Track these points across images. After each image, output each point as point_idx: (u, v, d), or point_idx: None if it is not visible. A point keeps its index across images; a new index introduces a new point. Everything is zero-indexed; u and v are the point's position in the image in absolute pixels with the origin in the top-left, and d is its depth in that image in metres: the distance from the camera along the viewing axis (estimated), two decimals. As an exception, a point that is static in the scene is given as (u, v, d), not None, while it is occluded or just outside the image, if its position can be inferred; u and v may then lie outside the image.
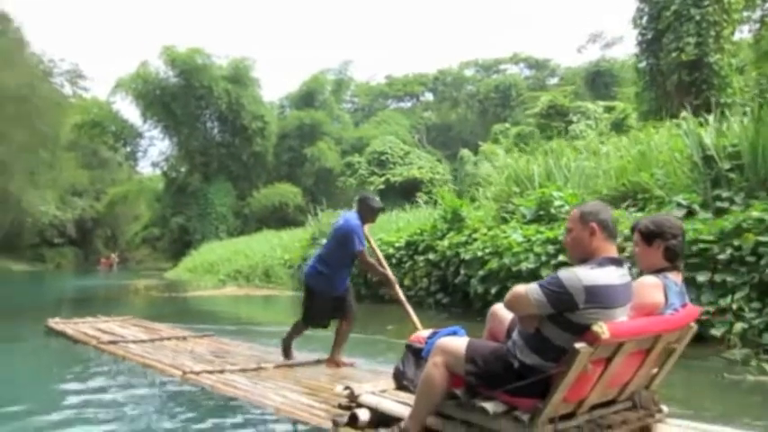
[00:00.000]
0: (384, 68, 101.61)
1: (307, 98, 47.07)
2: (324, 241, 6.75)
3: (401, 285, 6.55)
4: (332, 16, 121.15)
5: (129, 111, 66.01)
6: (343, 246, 5.84)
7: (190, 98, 39.34)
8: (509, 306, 3.07)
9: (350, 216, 5.98)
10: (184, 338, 7.81)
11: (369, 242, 6.14)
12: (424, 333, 3.95)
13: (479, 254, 10.43)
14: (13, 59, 26.14)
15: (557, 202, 10.36)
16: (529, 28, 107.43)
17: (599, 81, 44.88)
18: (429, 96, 68.01)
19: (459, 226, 12.05)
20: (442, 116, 62.33)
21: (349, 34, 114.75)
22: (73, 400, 5.12)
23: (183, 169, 42.21)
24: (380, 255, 6.41)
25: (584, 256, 3.00)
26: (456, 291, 11.32)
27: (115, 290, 22.36)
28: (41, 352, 8.02)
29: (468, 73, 65.67)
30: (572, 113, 28.40)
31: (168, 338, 7.77)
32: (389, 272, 6.10)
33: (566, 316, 2.87)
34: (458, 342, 3.27)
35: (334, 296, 5.95)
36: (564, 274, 2.89)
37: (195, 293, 18.50)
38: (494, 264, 9.87)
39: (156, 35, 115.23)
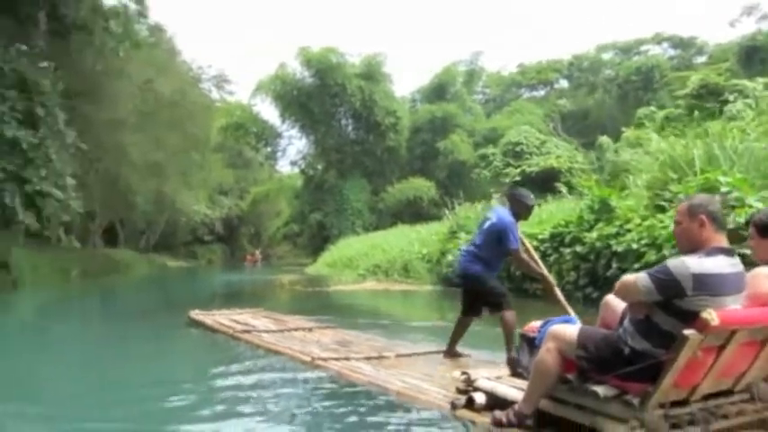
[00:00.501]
0: (516, 57, 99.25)
1: (438, 91, 46.74)
2: (463, 234, 6.52)
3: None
4: (462, 7, 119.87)
5: (269, 112, 69.16)
6: (497, 243, 5.73)
7: (325, 97, 40.35)
8: (619, 294, 3.25)
9: (502, 213, 5.84)
10: (310, 329, 8.23)
11: (522, 240, 6.00)
12: (537, 323, 4.10)
13: (634, 246, 9.72)
14: (167, 68, 28.05)
15: (723, 188, 9.29)
16: (671, 5, 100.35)
17: (755, 57, 40.76)
18: (564, 83, 65.29)
19: (609, 216, 11.31)
20: (578, 103, 59.57)
21: (479, 25, 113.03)
22: (216, 381, 5.57)
23: (319, 167, 43.44)
24: (534, 253, 6.18)
25: (694, 248, 3.08)
26: (607, 284, 10.52)
27: (261, 285, 23.27)
28: (185, 339, 8.80)
29: (606, 56, 62.28)
30: (727, 92, 25.89)
31: (296, 329, 8.21)
32: (545, 271, 5.95)
33: (674, 303, 2.99)
34: (570, 329, 3.47)
35: (483, 290, 5.88)
36: (672, 261, 3.03)
37: (337, 288, 18.76)
38: (651, 256, 9.09)
39: (293, 37, 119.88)
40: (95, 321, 13.29)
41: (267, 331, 8.03)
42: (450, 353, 6.12)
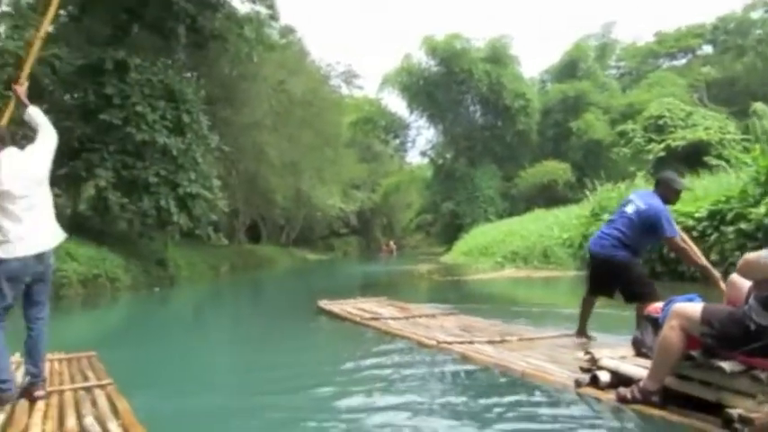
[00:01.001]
0: (652, 25, 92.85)
1: (569, 69, 44.84)
2: (606, 216, 6.08)
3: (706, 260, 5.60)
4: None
5: (396, 104, 69.83)
6: (648, 231, 5.37)
7: (451, 84, 40.01)
8: (742, 272, 3.30)
9: (650, 198, 5.44)
10: (433, 316, 8.45)
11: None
12: (659, 304, 4.14)
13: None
14: (298, 68, 29.11)
15: None
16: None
17: None
18: (707, 49, 60.27)
19: (779, 189, 10.16)
20: (725, 69, 54.74)
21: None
22: (351, 365, 5.83)
23: (449, 155, 43.21)
24: (692, 243, 5.62)
25: None
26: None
27: (398, 275, 23.46)
28: (320, 327, 9.20)
29: (755, 15, 56.75)
30: None
31: (419, 316, 8.46)
32: (705, 261, 5.41)
33: None
34: (693, 306, 3.50)
35: (630, 278, 5.56)
36: None
37: (475, 277, 18.46)
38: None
39: (417, 26, 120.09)
40: (243, 312, 13.99)
41: (392, 318, 8.37)
42: (582, 333, 5.97)
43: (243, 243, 35.26)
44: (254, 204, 33.50)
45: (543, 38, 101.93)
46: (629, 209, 5.46)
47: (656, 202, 5.36)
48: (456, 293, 14.16)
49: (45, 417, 3.85)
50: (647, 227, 5.33)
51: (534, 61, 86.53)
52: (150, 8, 18.66)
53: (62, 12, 19.47)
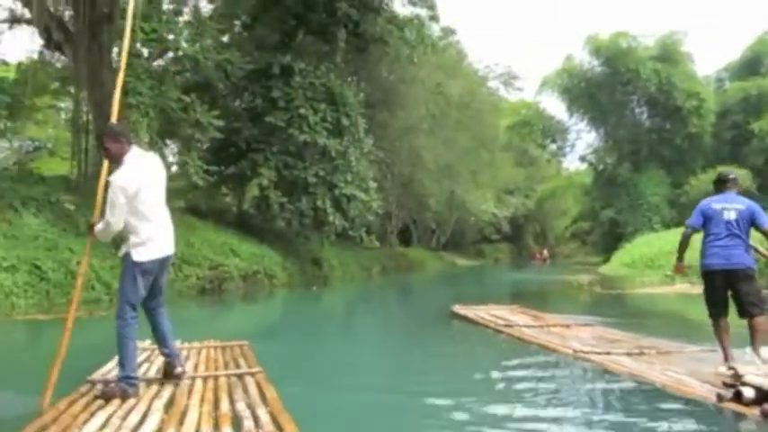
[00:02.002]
0: None
1: (751, 65, 40.51)
2: None
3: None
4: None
5: (555, 107, 67.62)
6: (749, 229, 5.34)
7: (616, 85, 37.71)
8: None
9: (737, 199, 5.46)
10: (568, 326, 8.36)
11: None
12: None
13: None
14: (456, 70, 28.81)
15: None
16: None
17: None
18: None
19: None
20: None
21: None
22: (491, 371, 5.77)
23: (610, 160, 40.78)
24: None
25: None
26: None
27: (553, 285, 22.33)
28: (452, 331, 9.41)
29: None
30: None
31: (554, 325, 8.44)
32: None
33: None
34: None
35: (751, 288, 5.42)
36: None
37: (642, 291, 16.99)
38: None
39: (578, 27, 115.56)
40: (389, 313, 14.06)
41: (526, 326, 8.44)
42: (729, 358, 5.34)
43: (394, 246, 35.54)
44: (407, 207, 33.64)
45: (720, 33, 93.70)
46: (731, 215, 5.36)
47: (743, 198, 5.45)
48: (621, 308, 13.03)
49: (202, 399, 4.18)
50: (750, 224, 5.32)
51: (710, 58, 79.58)
52: (316, 14, 19.17)
53: (236, 21, 20.61)
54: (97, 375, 4.75)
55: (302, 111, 18.02)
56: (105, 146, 4.30)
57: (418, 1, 20.63)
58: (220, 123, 15.57)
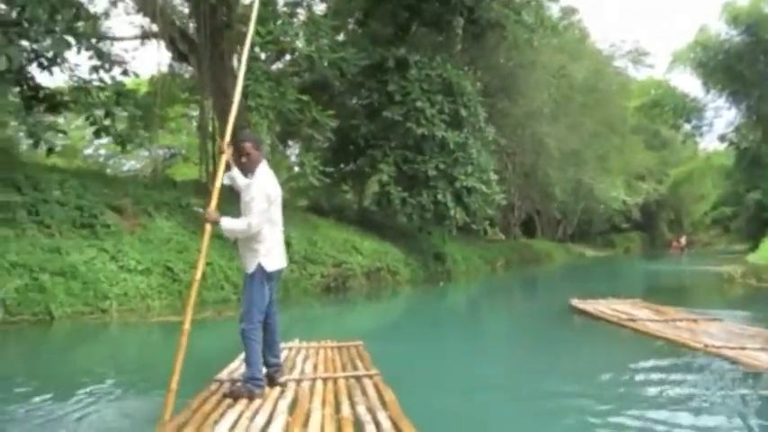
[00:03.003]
0: None
1: None
2: None
3: None
4: None
5: (689, 84, 62.82)
6: None
7: (758, 55, 34.38)
8: None
9: None
10: (695, 321, 8.13)
11: None
12: None
13: None
14: (579, 52, 27.31)
15: None
16: None
17: None
18: None
19: None
20: None
21: None
22: (616, 368, 5.67)
23: (754, 138, 37.30)
24: None
25: None
26: None
27: (693, 276, 20.64)
28: (573, 327, 9.26)
29: None
30: None
31: (679, 320, 8.20)
32: None
33: None
34: None
35: None
36: None
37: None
38: None
39: None
40: (513, 309, 13.57)
41: (650, 320, 8.21)
42: None
43: (518, 238, 34.48)
44: (530, 198, 32.48)
45: None
46: None
47: None
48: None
49: (323, 402, 4.32)
50: None
51: None
52: (429, 4, 18.75)
53: (350, 19, 20.61)
54: (224, 374, 4.99)
55: (419, 104, 17.65)
56: (248, 151, 4.46)
57: (536, -20, 19.63)
58: (334, 124, 15.55)
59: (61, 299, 9.36)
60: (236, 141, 4.63)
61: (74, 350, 8.07)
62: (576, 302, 10.24)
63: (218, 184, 4.48)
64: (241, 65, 5.09)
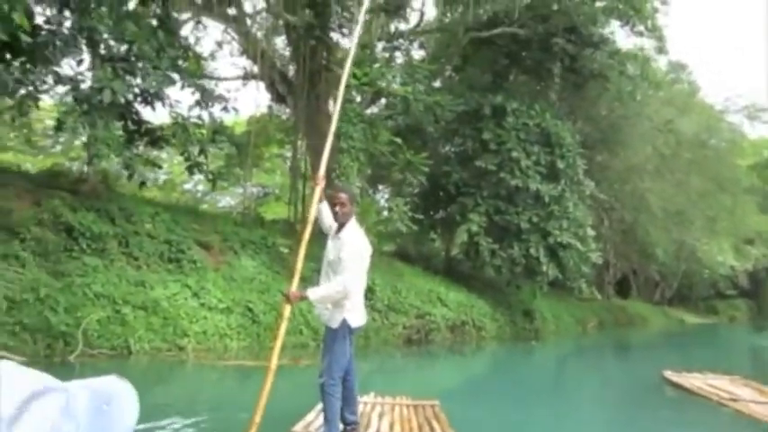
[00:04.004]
0: None
1: None
2: None
3: None
4: None
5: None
6: None
7: None
8: None
9: None
10: None
11: None
12: None
13: None
14: (688, 106, 25.90)
15: None
16: None
17: None
18: None
19: None
20: None
21: None
22: None
23: None
24: None
25: None
26: None
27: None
28: (666, 401, 8.63)
29: None
30: None
31: None
32: None
33: None
34: None
35: None
36: None
37: None
38: None
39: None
40: (605, 377, 12.43)
41: (754, 402, 7.59)
42: None
43: (611, 298, 32.64)
44: (626, 256, 30.78)
45: None
46: None
47: None
48: None
49: None
50: None
51: None
52: (530, 51, 18.31)
53: (447, 66, 20.42)
54: (299, 427, 4.93)
55: (514, 153, 17.05)
56: (344, 202, 4.38)
57: (645, 31, 18.69)
58: (429, 163, 15.24)
59: (140, 333, 9.28)
60: (333, 189, 4.57)
61: (151, 388, 7.87)
62: (669, 374, 9.68)
63: (302, 250, 4.34)
64: (337, 102, 5.02)
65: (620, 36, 19.66)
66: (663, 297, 40.77)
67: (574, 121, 19.26)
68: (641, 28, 18.85)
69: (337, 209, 4.37)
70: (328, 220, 4.48)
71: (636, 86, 19.88)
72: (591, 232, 18.65)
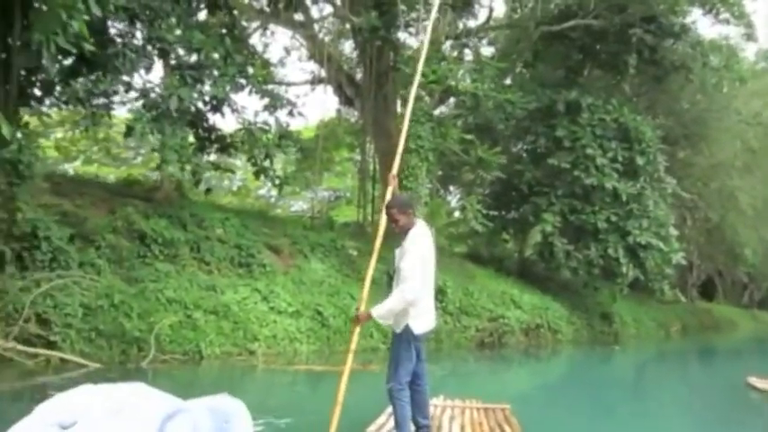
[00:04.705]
0: None
1: None
2: None
3: None
4: None
5: None
6: None
7: None
8: None
9: None
10: None
11: None
12: None
13: None
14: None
15: None
16: None
17: None
18: None
19: None
20: None
21: None
22: None
23: None
24: None
25: None
26: None
27: None
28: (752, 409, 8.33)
29: None
30: None
31: None
32: None
33: None
34: None
35: None
36: None
37: None
38: None
39: None
40: (688, 385, 11.70)
41: None
42: None
43: (695, 300, 31.06)
44: (711, 257, 29.21)
45: None
46: None
47: None
48: None
49: None
50: None
51: None
52: (605, 44, 17.56)
53: (518, 62, 19.87)
54: (372, 428, 4.98)
55: (589, 151, 16.37)
56: (395, 217, 4.34)
57: (731, 19, 17.57)
58: (502, 161, 14.84)
59: (211, 338, 9.33)
60: (386, 206, 4.54)
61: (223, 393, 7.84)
62: (753, 380, 9.31)
63: (372, 263, 4.44)
64: (409, 101, 4.97)
65: (704, 24, 18.53)
66: (751, 300, 38.72)
67: (654, 116, 18.33)
68: (726, 15, 17.78)
69: (393, 225, 4.39)
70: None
71: (721, 78, 18.75)
72: (674, 232, 17.73)
